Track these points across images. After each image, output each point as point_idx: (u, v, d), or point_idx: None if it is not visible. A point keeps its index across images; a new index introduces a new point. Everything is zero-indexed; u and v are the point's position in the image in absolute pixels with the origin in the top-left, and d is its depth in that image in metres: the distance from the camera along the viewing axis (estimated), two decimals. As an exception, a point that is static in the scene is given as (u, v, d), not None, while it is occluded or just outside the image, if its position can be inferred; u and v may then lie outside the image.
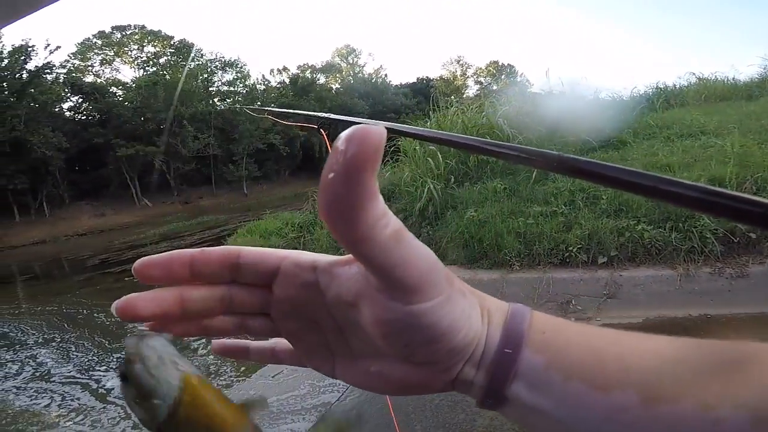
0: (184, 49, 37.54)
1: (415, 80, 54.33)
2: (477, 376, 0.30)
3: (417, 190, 5.99)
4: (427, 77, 55.22)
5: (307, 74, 46.65)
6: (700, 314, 3.87)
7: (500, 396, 0.29)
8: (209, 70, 38.11)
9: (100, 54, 35.87)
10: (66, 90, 31.35)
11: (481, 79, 58.00)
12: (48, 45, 28.16)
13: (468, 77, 59.16)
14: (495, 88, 47.40)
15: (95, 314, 7.26)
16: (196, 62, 37.33)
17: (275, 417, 3.35)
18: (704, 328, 3.71)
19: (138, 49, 36.92)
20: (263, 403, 0.30)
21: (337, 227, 0.24)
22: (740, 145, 5.10)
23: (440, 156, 6.28)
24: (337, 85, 49.33)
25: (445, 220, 5.51)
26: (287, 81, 43.88)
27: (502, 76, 56.90)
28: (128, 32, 36.41)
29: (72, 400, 4.38)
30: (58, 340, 6.27)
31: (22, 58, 26.89)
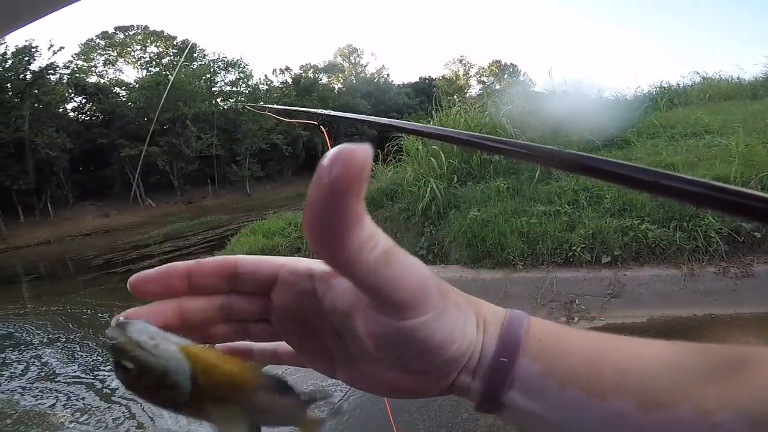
0: (186, 49, 37.66)
1: (418, 80, 54.29)
2: (473, 383, 0.30)
3: (420, 189, 5.99)
4: (429, 77, 55.18)
5: (310, 74, 46.68)
6: (705, 314, 3.86)
7: (497, 402, 0.30)
8: (212, 70, 38.21)
9: (104, 54, 36.01)
10: (70, 90, 31.45)
11: (484, 79, 57.91)
12: (51, 46, 28.28)
13: (470, 77, 59.11)
14: (498, 87, 47.35)
15: (99, 314, 7.29)
16: (199, 62, 37.45)
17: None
18: (709, 327, 3.69)
19: (141, 49, 37.04)
20: (324, 395, 0.32)
21: (321, 250, 0.24)
22: (745, 144, 5.07)
23: (443, 155, 6.28)
24: (340, 85, 49.34)
25: (448, 219, 5.51)
26: (290, 81, 43.93)
27: (505, 76, 56.83)
28: (131, 33, 36.55)
29: (77, 399, 4.40)
30: (63, 340, 6.30)
31: (26, 58, 26.98)
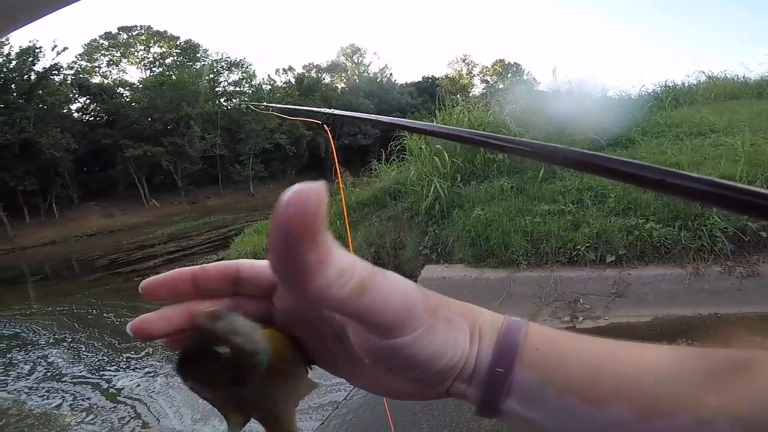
0: (189, 49, 37.75)
1: (421, 79, 54.19)
2: (470, 389, 0.30)
3: (423, 188, 5.98)
4: (432, 76, 55.07)
5: (313, 74, 46.73)
6: (710, 313, 3.84)
7: (495, 409, 0.30)
8: (215, 70, 38.30)
9: (107, 55, 36.09)
10: (74, 91, 31.51)
11: (488, 78, 57.79)
12: (55, 46, 28.34)
13: (474, 76, 58.99)
14: (501, 86, 47.26)
15: (105, 314, 7.32)
16: (202, 62, 37.55)
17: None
18: (714, 327, 3.68)
19: (144, 49, 37.13)
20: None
21: (289, 291, 0.24)
22: (751, 143, 5.05)
23: (446, 154, 6.27)
24: (343, 85, 49.35)
25: (452, 218, 5.50)
26: (293, 81, 44.00)
27: (509, 75, 56.69)
28: (134, 33, 36.62)
29: (83, 399, 4.43)
30: (69, 340, 6.33)
31: (30, 59, 27.03)
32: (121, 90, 34.29)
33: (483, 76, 58.62)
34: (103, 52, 35.92)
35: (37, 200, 27.54)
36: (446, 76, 57.04)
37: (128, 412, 4.02)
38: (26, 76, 27.04)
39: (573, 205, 4.98)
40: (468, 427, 2.90)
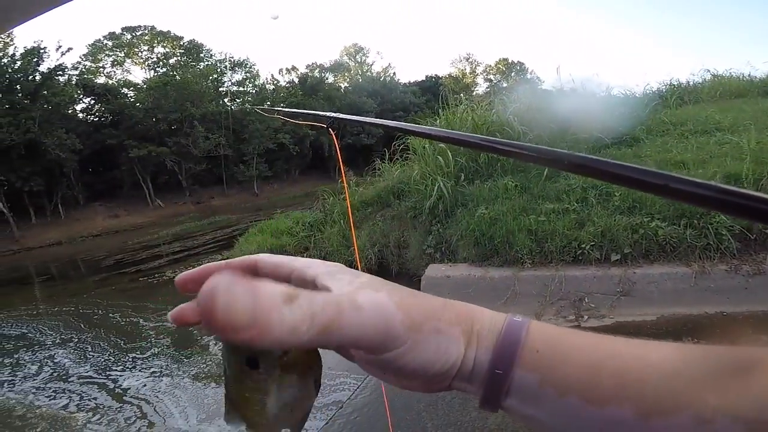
0: (193, 49, 37.84)
1: (424, 78, 54.07)
2: (471, 387, 0.31)
3: (427, 187, 5.98)
4: (435, 75, 54.95)
5: (316, 73, 46.73)
6: (716, 312, 3.82)
7: (497, 406, 0.31)
8: (219, 70, 38.37)
9: (111, 55, 36.21)
10: (78, 91, 31.62)
11: (491, 77, 57.67)
12: (60, 47, 28.39)
13: (477, 75, 58.88)
14: (505, 85, 47.11)
15: (110, 314, 7.36)
16: (206, 62, 37.62)
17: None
18: (720, 326, 3.66)
19: (148, 50, 37.24)
20: None
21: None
22: (756, 141, 5.01)
23: (450, 153, 6.26)
24: (346, 84, 49.35)
25: (456, 217, 5.49)
26: (296, 80, 44.01)
27: (512, 74, 56.55)
28: (138, 33, 36.73)
29: (89, 399, 4.45)
30: (75, 340, 6.37)
31: (35, 60, 27.11)
32: (125, 90, 34.38)
33: (486, 75, 58.52)
34: (107, 52, 36.04)
35: (43, 201, 27.69)
36: (449, 75, 56.98)
37: (134, 412, 4.04)
38: (31, 77, 27.11)
39: (578, 203, 4.96)
40: (473, 426, 2.89)
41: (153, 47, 37.29)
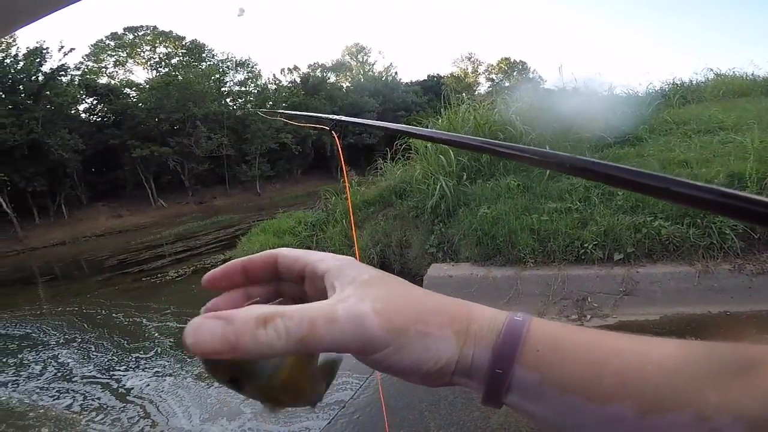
0: (195, 49, 37.89)
1: (426, 77, 54.07)
2: (472, 384, 0.32)
3: (429, 187, 5.97)
4: (437, 74, 54.94)
5: (318, 73, 46.77)
6: (720, 311, 3.81)
7: (498, 402, 0.31)
8: (221, 70, 38.41)
9: (114, 55, 36.34)
10: (81, 92, 31.72)
11: (493, 76, 57.62)
12: (62, 47, 28.52)
13: (479, 74, 58.83)
14: (507, 84, 47.05)
15: (114, 314, 7.37)
16: (208, 62, 37.66)
17: (289, 415, 3.38)
18: (724, 325, 3.65)
19: (150, 50, 37.34)
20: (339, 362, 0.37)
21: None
22: (760, 140, 4.99)
23: (452, 153, 6.25)
24: (348, 84, 49.37)
25: (458, 217, 5.49)
26: (298, 80, 44.06)
27: (514, 73, 56.48)
28: (140, 33, 36.84)
29: (93, 399, 4.46)
30: (79, 340, 6.39)
31: (38, 60, 27.21)
32: (127, 90, 34.50)
33: (488, 74, 58.48)
34: (109, 52, 36.16)
35: (47, 201, 27.79)
36: (451, 74, 56.96)
37: (138, 412, 4.06)
38: (34, 77, 27.23)
39: (580, 202, 4.95)
40: (475, 426, 2.89)
41: (155, 47, 37.38)
